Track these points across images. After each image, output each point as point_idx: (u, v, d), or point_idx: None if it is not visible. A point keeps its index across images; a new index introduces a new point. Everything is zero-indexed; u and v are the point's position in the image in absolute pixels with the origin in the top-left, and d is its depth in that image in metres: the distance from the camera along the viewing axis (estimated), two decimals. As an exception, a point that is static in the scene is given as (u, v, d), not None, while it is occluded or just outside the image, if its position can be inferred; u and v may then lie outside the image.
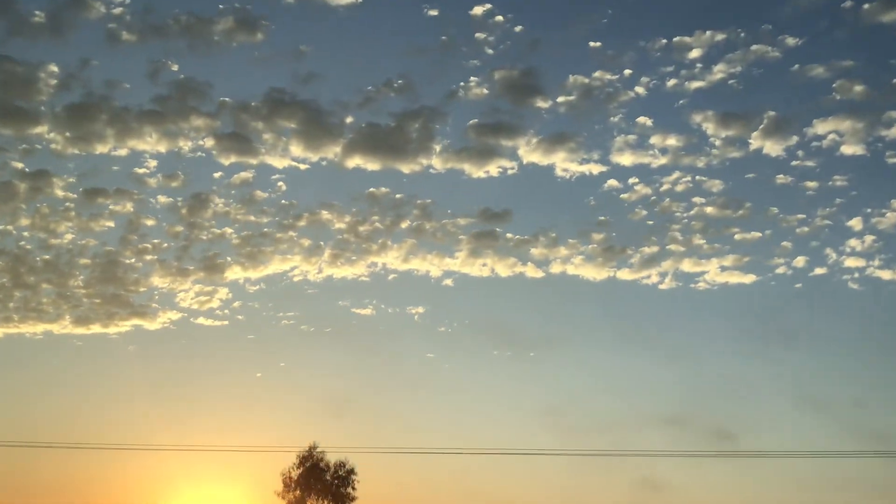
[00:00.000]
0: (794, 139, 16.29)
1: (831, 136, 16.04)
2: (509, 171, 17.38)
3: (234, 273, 41.39)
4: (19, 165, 33.51)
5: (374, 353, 54.96)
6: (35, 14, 15.80)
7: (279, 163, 19.98)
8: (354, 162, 18.00)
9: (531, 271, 17.82)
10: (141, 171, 34.99)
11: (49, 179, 31.59)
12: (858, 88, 15.54)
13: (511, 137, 17.82)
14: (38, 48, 21.14)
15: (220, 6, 16.01)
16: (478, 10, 16.23)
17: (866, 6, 15.89)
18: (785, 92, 16.67)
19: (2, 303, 40.40)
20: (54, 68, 21.26)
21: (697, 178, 16.33)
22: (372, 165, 18.18)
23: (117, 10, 15.68)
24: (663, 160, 16.96)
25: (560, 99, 16.76)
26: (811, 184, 16.05)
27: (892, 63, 16.42)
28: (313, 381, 55.62)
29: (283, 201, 35.26)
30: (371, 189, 28.26)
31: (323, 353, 54.28)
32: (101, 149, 25.19)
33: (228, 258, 39.62)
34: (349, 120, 17.56)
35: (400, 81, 16.58)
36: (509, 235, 18.16)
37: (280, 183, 29.28)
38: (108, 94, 22.26)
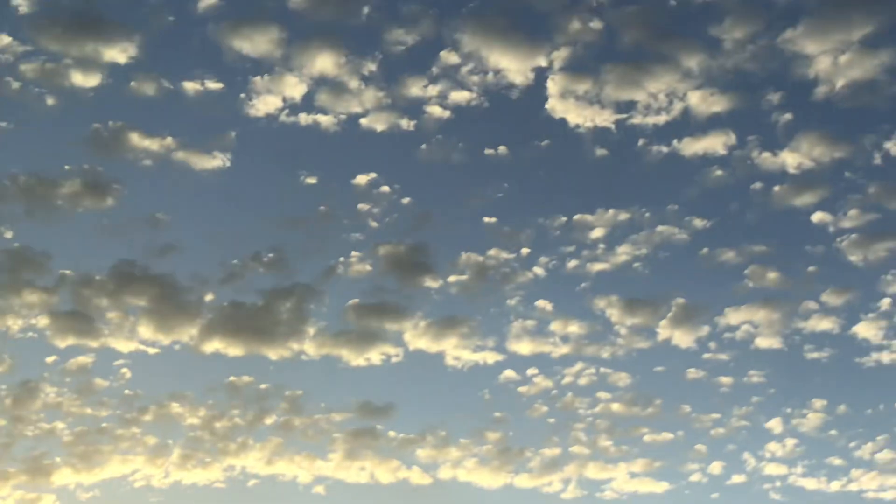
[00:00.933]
0: (706, 329, 15.87)
1: (745, 327, 15.61)
2: (393, 359, 16.07)
3: (64, 477, 36.55)
4: None
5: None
6: None
7: (124, 346, 17.54)
8: (213, 346, 16.22)
9: (417, 476, 16.14)
10: None
11: None
12: (772, 275, 15.32)
13: (396, 320, 16.43)
14: None
15: (66, 166, 14.50)
16: (361, 180, 15.37)
17: (777, 188, 15.70)
18: (694, 277, 16.41)
19: None
20: None
21: (602, 370, 15.54)
22: (234, 351, 16.43)
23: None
24: (565, 349, 16.09)
25: (451, 279, 15.87)
26: (725, 379, 15.52)
27: (807, 249, 16.39)
28: None
29: (126, 391, 31.24)
30: (231, 378, 25.18)
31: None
32: None
33: (58, 458, 35.10)
34: (209, 298, 15.86)
35: (271, 255, 15.25)
36: (392, 434, 16.60)
37: (124, 369, 25.71)
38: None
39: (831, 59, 16.65)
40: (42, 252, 16.64)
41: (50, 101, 16.61)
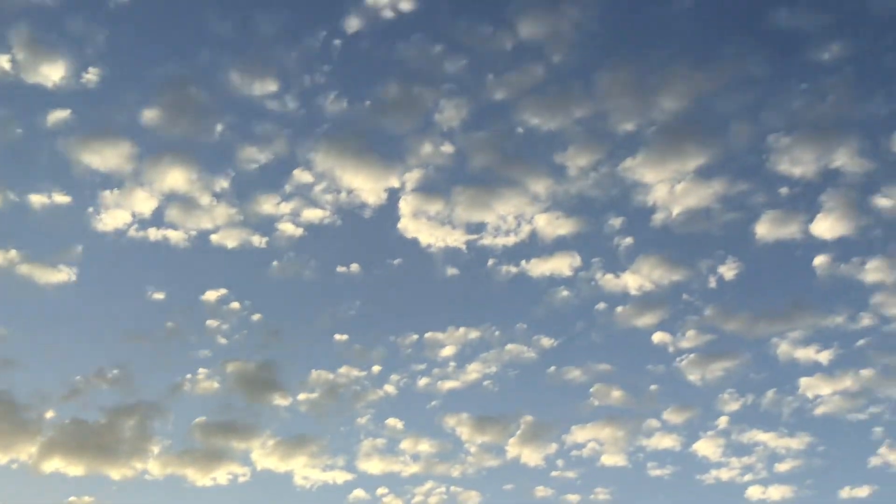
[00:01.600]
0: (553, 447, 16.03)
1: (591, 445, 15.89)
2: (240, 479, 15.67)
3: None
4: None
5: None
6: None
7: None
8: (53, 465, 15.49)
9: None
10: None
11: None
12: (616, 394, 15.71)
13: (244, 439, 16.11)
14: None
15: None
16: (211, 296, 15.26)
17: (619, 309, 16.37)
18: (542, 395, 16.71)
19: None
20: None
21: (452, 488, 15.49)
22: (74, 470, 15.68)
23: None
24: (415, 468, 16.02)
25: (301, 396, 15.72)
26: (573, 497, 15.60)
27: (649, 368, 16.92)
28: None
29: None
30: (72, 498, 24.00)
31: None
32: None
33: None
34: (50, 415, 15.24)
35: (115, 371, 14.85)
36: None
37: None
38: None
39: (668, 188, 17.67)
40: None
41: None
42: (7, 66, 16.49)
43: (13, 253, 16.89)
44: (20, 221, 17.05)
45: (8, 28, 16.59)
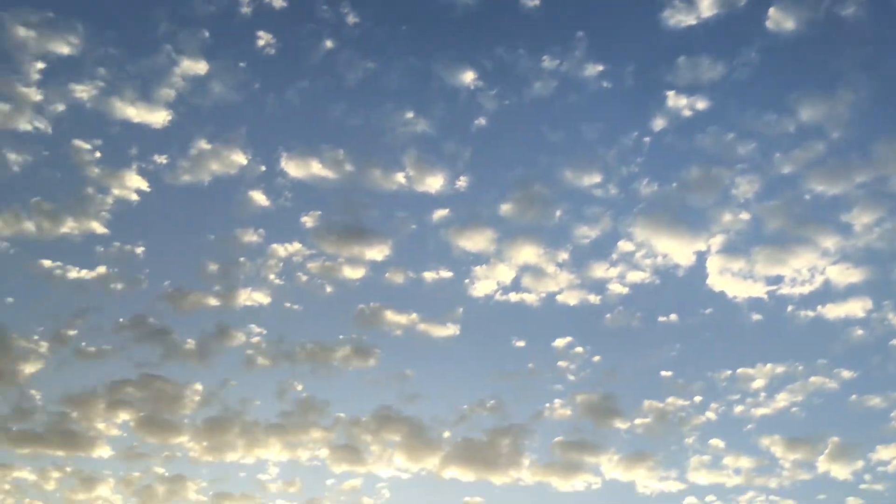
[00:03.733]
0: (860, 463, 17.54)
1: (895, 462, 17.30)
2: (593, 486, 18.89)
3: None
4: (161, 470, 36.73)
5: None
6: (187, 342, 19.02)
7: (384, 472, 21.85)
8: (451, 472, 19.75)
9: None
10: (264, 477, 37.77)
11: (185, 483, 34.49)
12: None
13: (594, 454, 19.65)
14: (186, 370, 24.33)
15: (340, 336, 19.03)
16: (559, 343, 18.91)
17: None
18: (846, 419, 18.10)
19: None
20: (198, 387, 24.57)
21: (771, 497, 17.43)
22: (466, 476, 19.91)
23: (255, 339, 18.80)
24: (738, 480, 18.26)
25: (637, 421, 18.65)
26: None
27: None
28: None
29: None
30: (466, 498, 29.63)
31: None
32: (231, 457, 27.83)
33: None
34: (446, 434, 19.56)
35: (492, 402, 18.73)
36: None
37: (384, 490, 30.80)
38: (242, 409, 25.27)
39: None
40: (323, 400, 21.78)
41: (328, 288, 21.98)
42: (403, 180, 21.52)
43: (414, 315, 21.92)
44: (417, 292, 22.00)
45: (401, 153, 21.60)
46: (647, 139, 21.34)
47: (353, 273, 21.58)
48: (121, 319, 21.29)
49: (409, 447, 21.49)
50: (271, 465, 21.82)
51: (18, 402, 21.01)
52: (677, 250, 21.14)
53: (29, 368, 20.89)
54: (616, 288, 21.45)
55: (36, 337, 20.88)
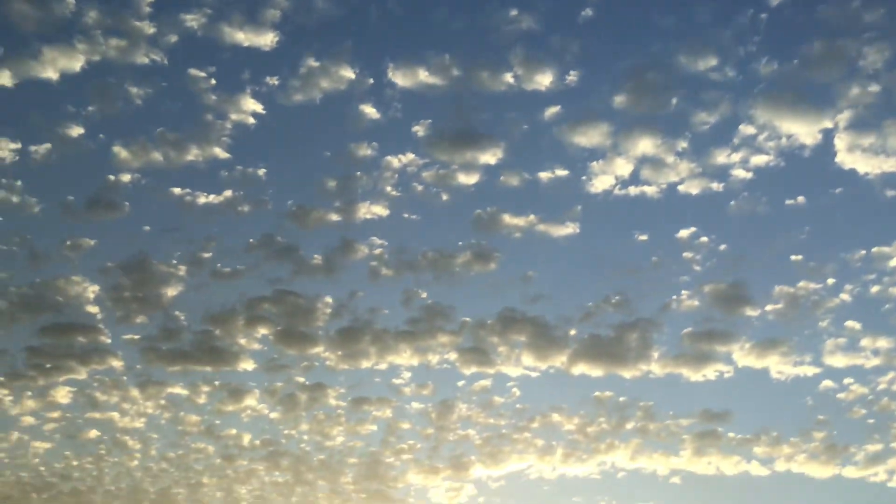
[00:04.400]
0: None
1: None
2: (726, 375, 18.81)
3: (478, 470, 44.97)
4: (301, 379, 39.47)
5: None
6: (314, 258, 19.80)
7: (513, 372, 22.43)
8: (579, 369, 20.09)
9: (756, 469, 18.63)
10: (397, 381, 40.07)
11: (324, 391, 37.00)
12: None
13: (724, 343, 19.49)
14: (315, 284, 25.51)
15: (459, 243, 19.30)
16: (683, 234, 18.56)
17: None
18: None
19: (286, 497, 46.11)
20: (329, 300, 25.70)
21: None
22: (595, 372, 20.17)
23: (377, 251, 19.35)
24: (876, 361, 17.75)
25: (768, 308, 18.29)
26: None
27: None
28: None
29: (517, 405, 38.05)
30: (596, 393, 30.23)
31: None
32: (365, 364, 29.47)
33: (473, 457, 43.49)
34: (573, 332, 19.78)
35: (617, 297, 18.73)
36: (731, 434, 19.21)
37: (514, 389, 31.86)
38: (371, 318, 26.31)
39: None
40: (448, 306, 22.47)
41: (444, 196, 22.36)
42: (511, 80, 21.26)
43: (531, 217, 22.19)
44: (534, 193, 22.26)
45: (508, 53, 21.32)
46: (763, 16, 20.62)
47: (467, 179, 21.85)
48: (250, 240, 22.19)
49: (535, 346, 21.97)
50: (404, 370, 22.65)
51: (165, 323, 22.25)
52: (802, 130, 20.54)
53: (171, 291, 22.05)
54: (739, 173, 21.10)
55: (174, 261, 21.97)
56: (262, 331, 22.29)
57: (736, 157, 21.13)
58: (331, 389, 22.74)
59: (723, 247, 21.45)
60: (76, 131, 21.28)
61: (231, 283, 22.15)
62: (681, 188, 21.40)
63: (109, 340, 22.19)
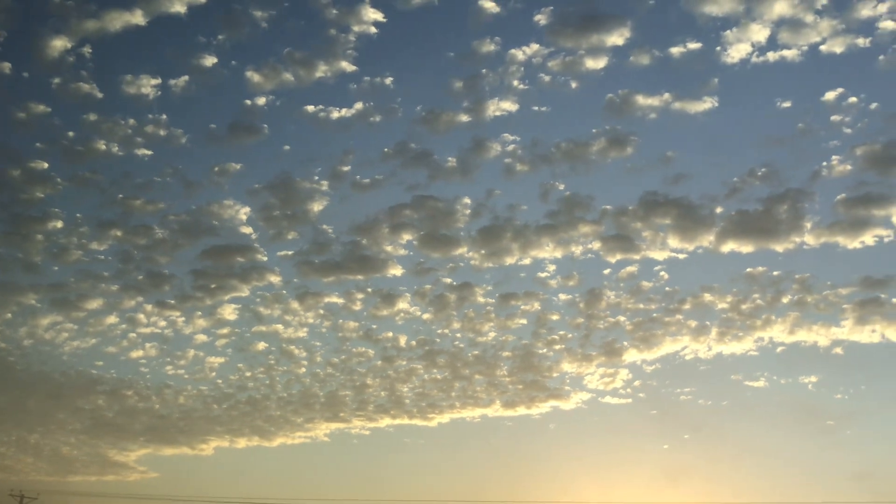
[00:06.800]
0: None
1: None
2: (886, 239, 17.95)
3: (632, 355, 46.25)
4: (448, 280, 41.71)
5: (770, 426, 54.97)
6: (448, 161, 20.19)
7: (659, 255, 22.65)
8: (728, 247, 19.82)
9: None
10: (543, 275, 41.40)
11: (472, 289, 39.18)
12: None
13: (883, 207, 18.62)
14: (452, 187, 26.80)
15: (594, 130, 19.02)
16: (830, 96, 17.45)
17: None
18: None
19: (446, 392, 49.15)
20: (467, 201, 26.54)
21: None
22: (745, 248, 19.84)
23: (510, 147, 19.46)
24: None
25: None
26: None
27: None
28: (721, 453, 56.78)
29: (667, 289, 38.30)
30: (748, 269, 30.01)
31: (724, 426, 55.43)
32: (509, 260, 30.69)
33: (625, 343, 44.70)
34: (719, 210, 19.56)
35: (763, 170, 18.19)
36: None
37: (662, 273, 32.18)
38: (511, 215, 26.93)
39: None
40: (586, 195, 22.62)
41: (573, 84, 22.23)
42: None
43: (666, 95, 21.94)
44: (666, 70, 21.92)
45: None
46: None
47: (595, 63, 21.81)
48: (385, 149, 22.67)
49: (681, 228, 22.05)
50: (548, 263, 22.99)
51: (314, 237, 23.25)
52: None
53: (316, 206, 22.96)
54: (888, 25, 19.92)
55: (316, 177, 22.78)
56: (406, 237, 23.02)
57: (882, 7, 20.01)
58: (478, 288, 23.41)
59: (874, 105, 20.52)
60: (210, 61, 22.08)
61: (371, 193, 22.89)
62: (823, 48, 20.53)
63: (266, 258, 23.35)
